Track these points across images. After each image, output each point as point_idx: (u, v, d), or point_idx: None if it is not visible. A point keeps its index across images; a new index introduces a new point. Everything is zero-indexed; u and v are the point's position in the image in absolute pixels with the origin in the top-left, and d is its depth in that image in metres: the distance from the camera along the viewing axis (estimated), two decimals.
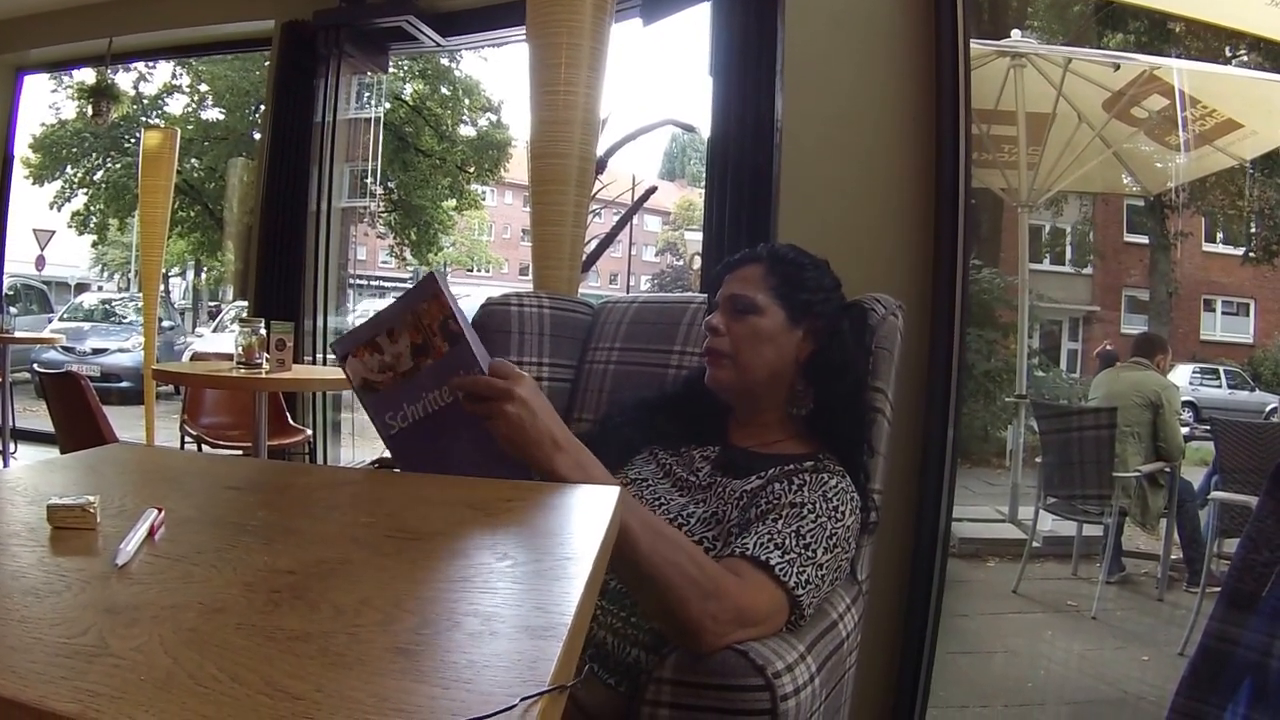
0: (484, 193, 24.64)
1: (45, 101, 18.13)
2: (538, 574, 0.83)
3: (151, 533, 0.88)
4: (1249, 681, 1.46)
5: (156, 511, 0.91)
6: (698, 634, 1.30)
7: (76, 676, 0.58)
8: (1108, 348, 6.62)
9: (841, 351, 1.73)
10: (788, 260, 1.76)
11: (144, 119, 17.73)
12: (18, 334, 6.50)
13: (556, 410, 1.29)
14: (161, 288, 7.82)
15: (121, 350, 12.57)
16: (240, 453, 4.70)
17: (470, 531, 1.00)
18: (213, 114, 19.42)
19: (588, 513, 1.07)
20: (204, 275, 24.96)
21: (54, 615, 0.68)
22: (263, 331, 3.56)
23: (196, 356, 8.12)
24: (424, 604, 0.74)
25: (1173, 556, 4.60)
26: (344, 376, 1.37)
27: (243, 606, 0.72)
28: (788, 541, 1.45)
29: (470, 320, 1.48)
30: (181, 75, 18.98)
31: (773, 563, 1.41)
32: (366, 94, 6.08)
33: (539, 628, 0.68)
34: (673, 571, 1.28)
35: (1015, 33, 5.39)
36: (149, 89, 18.75)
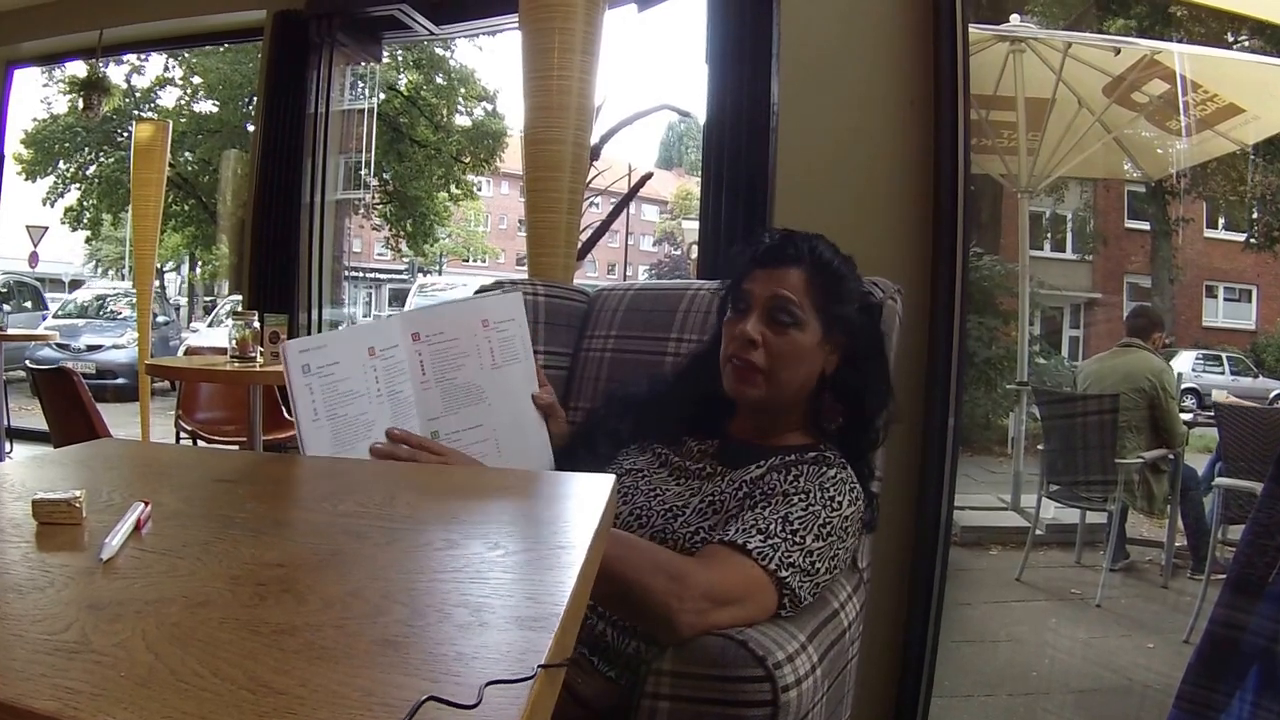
0: (480, 183, 24.64)
1: (36, 96, 18.13)
2: (530, 563, 0.83)
3: (138, 527, 0.87)
4: (1256, 667, 1.45)
5: (143, 505, 0.90)
6: (669, 619, 1.29)
7: (56, 674, 0.57)
8: None
9: (876, 363, 1.67)
10: (830, 270, 1.63)
11: (136, 112, 17.70)
12: (11, 331, 6.48)
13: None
14: (156, 283, 7.78)
15: (116, 346, 12.50)
16: (236, 448, 4.69)
17: (463, 521, 0.99)
18: (206, 106, 19.41)
19: (582, 501, 1.06)
20: (199, 269, 24.94)
21: (36, 611, 0.68)
22: (257, 325, 3.55)
23: (191, 351, 8.11)
24: (414, 595, 0.73)
25: (1177, 543, 4.59)
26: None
27: (228, 600, 0.71)
28: (772, 527, 1.43)
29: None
30: (174, 68, 18.98)
31: (750, 546, 1.40)
32: (360, 84, 6.07)
33: (530, 618, 0.67)
34: (632, 566, 1.29)
35: (1015, 17, 5.36)
36: (141, 82, 18.77)
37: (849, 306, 1.63)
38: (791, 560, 1.41)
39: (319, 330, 5.64)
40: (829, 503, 1.49)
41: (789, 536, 1.42)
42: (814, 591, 1.46)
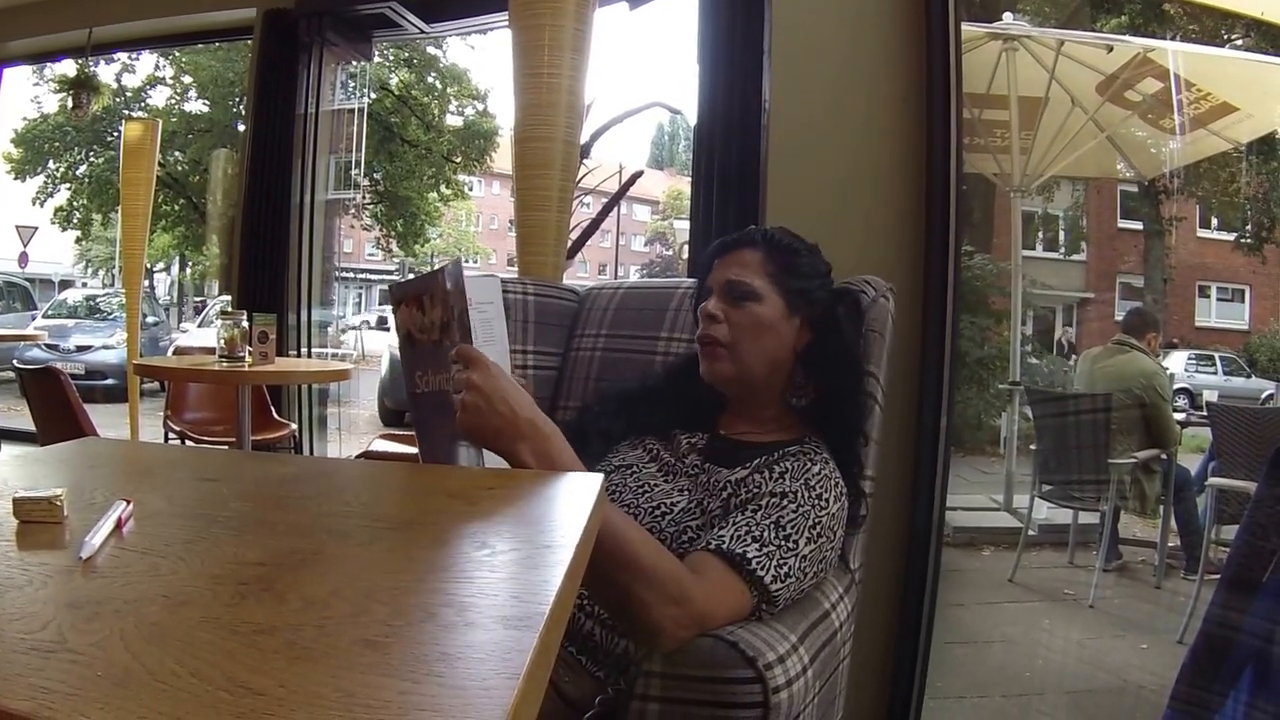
0: (471, 183, 24.61)
1: (26, 95, 18.04)
2: (516, 562, 0.81)
3: (119, 525, 0.86)
4: (1251, 668, 1.45)
5: (125, 504, 0.88)
6: (656, 635, 1.30)
7: (31, 673, 0.56)
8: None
9: (839, 340, 1.70)
10: (783, 246, 1.70)
11: (126, 111, 17.63)
12: (0, 332, 6.45)
13: (542, 398, 1.27)
14: (146, 283, 7.75)
15: (106, 347, 12.43)
16: (226, 448, 4.66)
17: (448, 520, 0.98)
18: (196, 106, 19.35)
19: (570, 500, 1.05)
20: (189, 270, 24.88)
21: (13, 610, 0.66)
22: (245, 324, 3.53)
23: (179, 351, 8.06)
24: (397, 595, 0.72)
25: (1170, 543, 4.59)
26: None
27: (208, 599, 0.70)
28: (766, 534, 1.43)
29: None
30: (164, 67, 18.92)
31: (749, 556, 1.39)
32: (351, 83, 6.06)
33: (515, 618, 0.66)
34: (635, 574, 1.27)
35: (1007, 15, 5.36)
36: (132, 81, 18.70)
37: (810, 282, 1.69)
38: (786, 570, 1.41)
39: (308, 330, 5.64)
40: (816, 501, 1.49)
41: (783, 543, 1.42)
42: (795, 596, 1.46)
